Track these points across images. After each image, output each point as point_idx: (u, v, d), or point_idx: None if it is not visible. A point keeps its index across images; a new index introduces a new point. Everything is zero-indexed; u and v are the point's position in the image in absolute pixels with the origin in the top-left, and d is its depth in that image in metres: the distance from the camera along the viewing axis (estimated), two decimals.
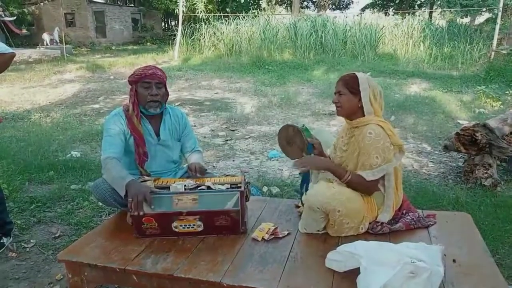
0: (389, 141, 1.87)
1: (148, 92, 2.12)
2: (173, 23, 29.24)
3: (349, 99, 1.93)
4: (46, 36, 17.61)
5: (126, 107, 2.19)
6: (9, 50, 2.34)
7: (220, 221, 1.87)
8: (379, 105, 1.96)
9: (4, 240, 2.54)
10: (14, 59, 2.52)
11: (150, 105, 2.15)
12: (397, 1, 25.45)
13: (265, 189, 3.41)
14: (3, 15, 15.67)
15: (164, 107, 2.25)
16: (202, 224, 1.87)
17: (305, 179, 2.16)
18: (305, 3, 30.09)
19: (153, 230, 1.88)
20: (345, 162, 1.99)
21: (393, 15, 19.02)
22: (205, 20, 15.79)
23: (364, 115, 1.94)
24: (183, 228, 1.88)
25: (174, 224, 1.86)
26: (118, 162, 2.06)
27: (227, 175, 2.25)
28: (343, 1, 30.81)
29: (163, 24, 30.00)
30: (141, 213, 1.82)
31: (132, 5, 28.19)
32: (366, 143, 1.86)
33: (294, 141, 2.07)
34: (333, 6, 30.42)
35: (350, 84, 1.93)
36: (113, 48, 20.47)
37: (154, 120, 2.24)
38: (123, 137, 2.14)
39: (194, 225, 1.87)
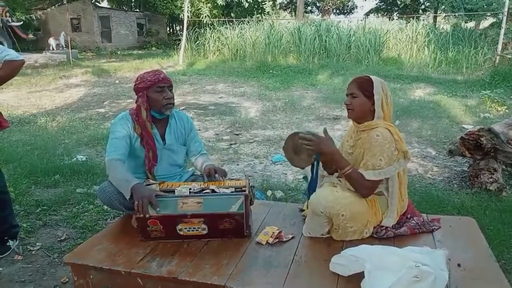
0: (395, 147, 1.86)
1: (163, 95, 2.14)
2: (178, 28, 29.39)
3: (362, 102, 1.92)
4: (52, 41, 17.75)
5: (134, 112, 2.19)
6: (19, 57, 2.35)
7: (225, 224, 1.88)
8: (389, 111, 1.96)
9: (10, 243, 2.55)
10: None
11: (167, 107, 2.17)
12: (401, 6, 25.39)
13: (269, 193, 3.41)
14: (10, 20, 15.82)
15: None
16: (206, 227, 1.88)
17: (312, 184, 2.15)
18: (309, 8, 30.14)
19: (158, 233, 1.89)
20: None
21: (397, 19, 19.01)
22: (209, 25, 15.87)
23: (373, 119, 1.93)
24: (187, 231, 1.89)
25: (179, 226, 1.88)
26: (123, 164, 2.08)
27: (232, 179, 2.26)
28: (347, 6, 30.80)
29: (168, 29, 30.15)
30: (147, 215, 1.83)
31: (137, 10, 28.37)
32: (373, 144, 1.85)
33: (302, 148, 2.03)
34: (337, 11, 30.44)
35: (365, 87, 1.92)
36: (119, 52, 20.58)
37: (160, 124, 2.26)
38: (129, 140, 2.16)
39: (198, 228, 1.88)
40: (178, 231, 1.89)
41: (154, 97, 2.15)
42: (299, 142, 2.01)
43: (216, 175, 2.14)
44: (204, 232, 1.90)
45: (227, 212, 1.86)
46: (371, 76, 1.96)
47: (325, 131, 2.03)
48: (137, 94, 2.19)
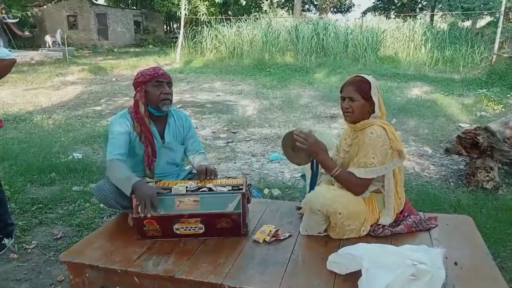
0: (389, 145, 1.86)
1: (160, 90, 2.12)
2: (175, 25, 29.31)
3: (362, 105, 1.90)
4: (48, 38, 17.67)
5: (132, 109, 2.18)
6: (10, 56, 2.32)
7: (222, 224, 1.87)
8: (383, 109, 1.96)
9: (6, 241, 2.54)
10: (17, 61, 2.51)
11: (164, 103, 2.14)
12: (398, 4, 25.46)
13: (266, 191, 3.41)
14: (5, 17, 15.71)
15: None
16: (203, 227, 1.87)
17: (313, 181, 2.14)
18: (306, 6, 30.12)
19: (154, 232, 1.89)
20: (347, 163, 1.98)
21: (395, 18, 19.03)
22: (207, 23, 15.84)
23: (368, 118, 1.93)
24: (184, 230, 1.88)
25: (176, 226, 1.87)
26: (124, 164, 2.06)
27: (229, 177, 2.25)
28: (345, 4, 30.84)
29: (165, 26, 30.06)
30: (148, 215, 1.81)
31: (134, 7, 28.27)
32: (366, 142, 1.85)
33: (300, 147, 2.00)
34: (335, 9, 30.46)
35: (363, 90, 1.89)
36: (115, 50, 20.51)
37: (159, 122, 2.24)
38: (128, 138, 2.14)
39: (195, 227, 1.87)
40: (175, 230, 1.88)
41: (151, 91, 2.13)
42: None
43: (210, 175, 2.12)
44: (201, 231, 1.89)
45: (224, 212, 1.85)
46: (366, 77, 1.94)
47: (309, 132, 2.02)
48: (136, 89, 2.18)
